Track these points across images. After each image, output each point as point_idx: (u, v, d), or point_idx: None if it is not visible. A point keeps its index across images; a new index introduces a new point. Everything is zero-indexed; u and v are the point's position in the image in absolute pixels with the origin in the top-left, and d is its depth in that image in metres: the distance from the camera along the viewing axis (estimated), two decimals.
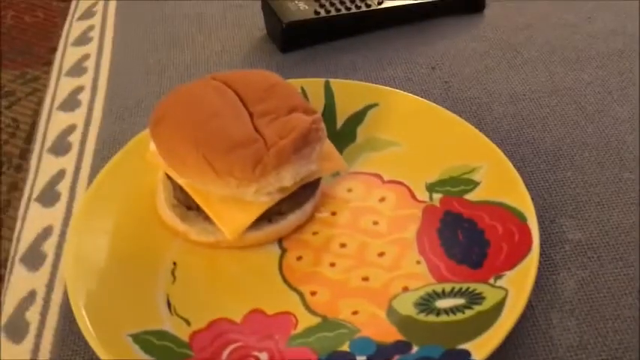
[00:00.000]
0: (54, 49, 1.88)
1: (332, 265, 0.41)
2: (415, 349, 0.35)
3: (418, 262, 0.41)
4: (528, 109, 0.53)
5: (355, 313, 0.38)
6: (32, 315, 0.41)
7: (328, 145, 0.45)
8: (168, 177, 0.43)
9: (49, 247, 0.45)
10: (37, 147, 0.55)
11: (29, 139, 1.47)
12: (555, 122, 0.52)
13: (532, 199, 0.42)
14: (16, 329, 0.41)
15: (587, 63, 0.58)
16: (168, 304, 0.39)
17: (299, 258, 0.42)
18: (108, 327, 0.36)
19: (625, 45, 0.60)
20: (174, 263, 0.41)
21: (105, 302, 0.38)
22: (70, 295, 0.38)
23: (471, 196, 0.44)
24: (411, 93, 0.52)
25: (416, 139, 0.48)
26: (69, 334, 0.39)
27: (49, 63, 1.68)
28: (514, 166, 0.45)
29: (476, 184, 0.45)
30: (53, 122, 0.56)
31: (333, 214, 0.45)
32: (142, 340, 0.36)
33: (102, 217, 0.43)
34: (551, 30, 0.62)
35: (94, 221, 0.42)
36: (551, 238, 0.43)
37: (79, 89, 0.59)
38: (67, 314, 0.40)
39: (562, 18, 0.64)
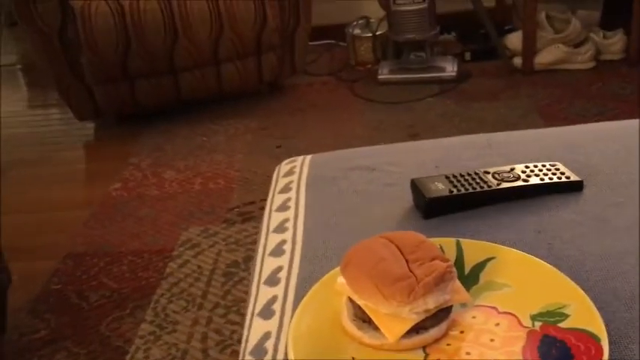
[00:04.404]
0: (231, 209, 2.23)
1: None
2: None
3: None
4: (614, 265, 0.70)
5: None
6: None
7: (458, 284, 0.65)
8: (350, 300, 0.65)
9: (269, 345, 0.68)
10: (255, 279, 0.80)
11: (209, 283, 1.79)
12: (636, 276, 0.68)
13: (611, 330, 0.59)
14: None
15: None
16: None
17: None
18: None
19: None
20: (353, 358, 0.62)
21: None
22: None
23: (562, 325, 0.62)
24: (520, 251, 0.72)
25: (523, 283, 0.67)
26: None
27: (227, 220, 2.05)
28: (597, 307, 0.62)
29: (567, 316, 0.62)
30: (265, 264, 0.82)
31: (461, 332, 0.64)
32: None
33: (307, 325, 0.65)
34: None
35: (302, 327, 0.65)
36: (623, 357, 0.59)
37: (283, 242, 0.85)
38: None
39: None
